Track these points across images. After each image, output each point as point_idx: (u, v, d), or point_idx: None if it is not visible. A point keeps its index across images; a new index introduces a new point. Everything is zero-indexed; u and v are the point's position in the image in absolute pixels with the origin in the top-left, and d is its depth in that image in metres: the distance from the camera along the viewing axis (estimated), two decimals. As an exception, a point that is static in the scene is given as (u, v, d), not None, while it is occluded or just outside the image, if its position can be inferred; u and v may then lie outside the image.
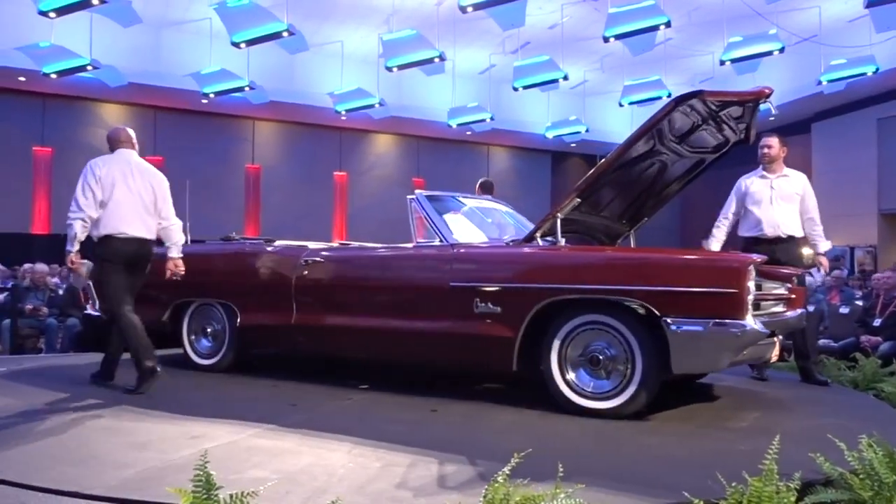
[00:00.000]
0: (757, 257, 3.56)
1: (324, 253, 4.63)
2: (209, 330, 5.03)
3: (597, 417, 3.52)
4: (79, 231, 4.22)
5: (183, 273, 4.50)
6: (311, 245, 4.90)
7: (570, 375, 3.62)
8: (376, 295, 4.29)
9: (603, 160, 4.09)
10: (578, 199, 4.08)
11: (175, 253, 4.50)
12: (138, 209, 4.36)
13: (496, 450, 2.79)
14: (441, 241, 4.09)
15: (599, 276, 3.55)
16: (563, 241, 4.08)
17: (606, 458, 2.92)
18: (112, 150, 4.62)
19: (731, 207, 5.21)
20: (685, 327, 3.28)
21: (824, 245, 5.15)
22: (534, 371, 3.78)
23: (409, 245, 4.32)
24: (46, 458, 2.81)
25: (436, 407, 3.80)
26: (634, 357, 3.46)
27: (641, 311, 3.46)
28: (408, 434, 3.21)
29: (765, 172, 5.11)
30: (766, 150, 5.11)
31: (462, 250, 4.00)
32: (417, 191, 4.42)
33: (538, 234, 4.11)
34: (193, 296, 5.03)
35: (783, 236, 4.93)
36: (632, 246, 4.97)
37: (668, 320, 3.31)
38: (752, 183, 5.11)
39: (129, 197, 4.34)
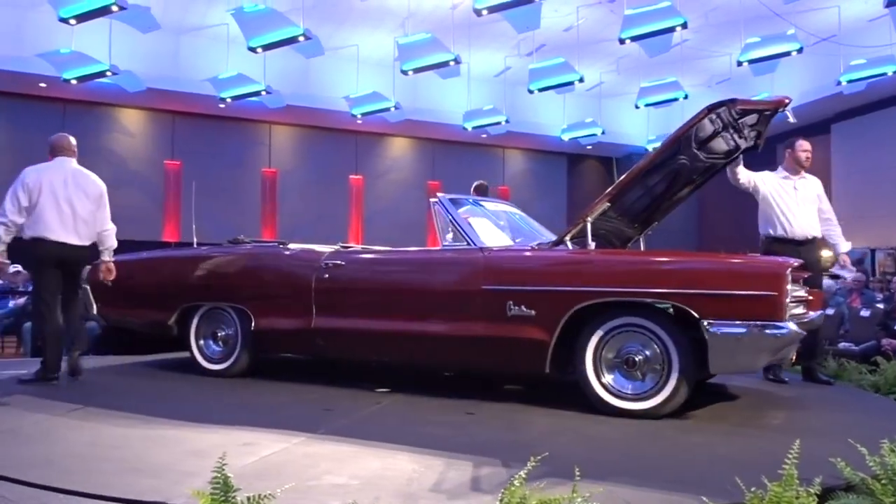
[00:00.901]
0: (794, 261, 3.65)
1: (346, 256, 4.60)
2: (220, 334, 4.95)
3: (632, 418, 3.56)
4: (2, 234, 4.56)
5: (113, 278, 4.82)
6: (318, 248, 4.88)
7: (606, 377, 3.67)
8: (404, 298, 4.26)
9: (635, 166, 4.17)
10: (608, 204, 4.13)
11: (107, 256, 4.90)
12: (65, 216, 4.60)
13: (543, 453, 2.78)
14: (468, 244, 4.10)
15: (639, 280, 3.61)
16: (593, 245, 4.11)
17: (658, 458, 2.93)
18: (52, 156, 4.86)
19: (750, 181, 5.07)
20: (726, 329, 3.37)
21: (845, 245, 5.20)
22: (563, 372, 3.83)
23: (437, 248, 4.35)
24: (111, 467, 2.71)
25: (472, 410, 3.79)
26: (671, 358, 3.53)
27: (677, 313, 3.54)
28: (453, 437, 3.22)
29: (788, 174, 5.12)
30: (808, 155, 5.16)
31: (493, 254, 4.02)
32: (439, 194, 4.45)
33: (568, 238, 4.14)
34: (203, 299, 4.99)
35: (809, 238, 5.02)
36: (642, 249, 4.98)
37: (708, 322, 3.39)
38: (777, 183, 5.10)
39: (56, 204, 4.59)
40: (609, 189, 4.18)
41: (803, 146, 5.15)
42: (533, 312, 3.72)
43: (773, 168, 5.30)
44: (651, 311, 3.61)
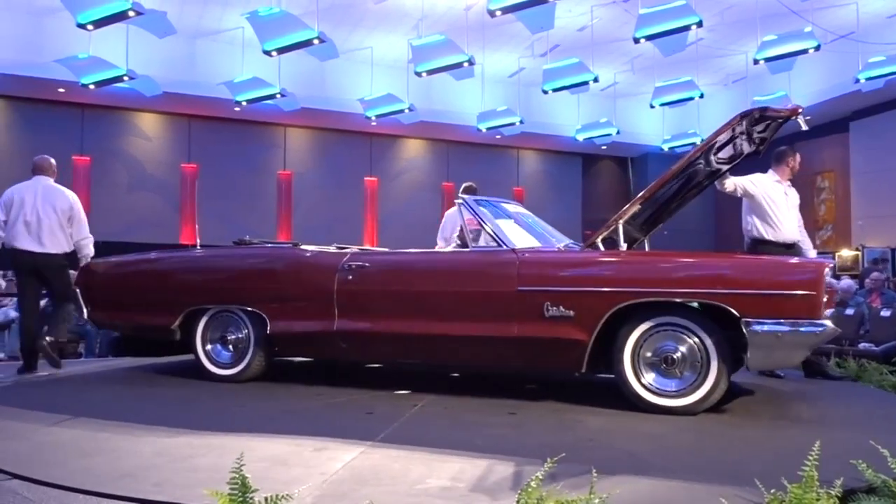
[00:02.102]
0: (829, 262, 3.79)
1: (370, 258, 4.54)
2: (229, 338, 4.74)
3: (671, 415, 3.65)
4: None
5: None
6: (330, 249, 4.84)
7: (645, 375, 3.76)
8: (434, 299, 4.22)
9: (668, 170, 4.29)
10: (639, 207, 4.26)
11: (83, 263, 5.40)
12: (31, 226, 5.23)
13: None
14: (498, 245, 4.13)
15: (682, 281, 3.70)
16: (624, 247, 4.18)
17: (719, 452, 2.96)
18: (32, 174, 5.55)
19: (738, 186, 5.22)
20: (767, 327, 3.48)
21: (812, 253, 5.58)
22: (596, 371, 3.93)
23: (467, 250, 4.36)
24: (188, 479, 2.59)
25: (513, 410, 3.81)
26: (709, 356, 3.64)
27: (714, 312, 3.64)
28: (515, 438, 3.23)
29: (780, 179, 5.33)
30: (797, 165, 5.43)
31: (528, 255, 4.05)
32: (464, 195, 4.47)
33: (599, 240, 4.21)
34: (210, 302, 4.77)
35: (791, 242, 5.30)
36: (646, 250, 5.06)
37: (750, 321, 3.49)
38: (771, 187, 5.28)
39: (24, 216, 5.23)
40: (642, 192, 4.30)
41: (798, 158, 5.41)
42: (572, 313, 3.78)
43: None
44: (688, 310, 3.71)
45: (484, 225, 4.26)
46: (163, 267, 5.17)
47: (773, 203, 5.21)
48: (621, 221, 4.16)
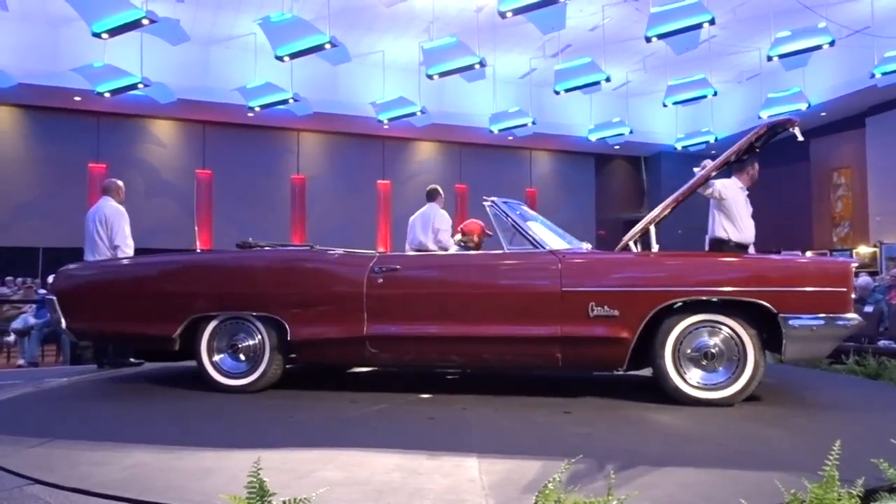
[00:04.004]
0: (854, 261, 4.04)
1: (401, 260, 4.47)
2: (240, 346, 4.43)
3: (711, 406, 3.82)
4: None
5: None
6: (337, 251, 4.70)
7: (687, 370, 3.93)
8: (473, 301, 4.21)
9: (698, 176, 4.63)
10: (669, 211, 4.53)
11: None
12: (87, 239, 6.19)
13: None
14: (534, 247, 4.21)
15: (724, 280, 3.91)
16: (656, 248, 4.37)
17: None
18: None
19: (714, 189, 5.53)
20: (802, 322, 3.75)
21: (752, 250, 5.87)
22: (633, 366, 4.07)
23: (503, 252, 4.35)
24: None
25: (567, 408, 3.86)
26: (746, 350, 3.86)
27: (749, 309, 3.86)
28: (590, 437, 3.24)
29: (743, 186, 5.66)
30: (757, 174, 5.74)
31: (569, 257, 4.14)
32: (492, 197, 4.49)
33: (633, 242, 4.41)
34: (217, 309, 4.46)
35: (751, 243, 5.73)
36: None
37: (786, 316, 3.75)
38: (737, 192, 5.61)
39: (85, 230, 6.23)
40: (675, 195, 4.55)
41: (757, 167, 5.72)
42: (616, 312, 3.91)
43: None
44: (726, 307, 3.90)
45: (517, 226, 4.32)
46: (162, 271, 4.77)
47: (741, 207, 5.61)
48: (652, 225, 4.38)
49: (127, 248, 6.08)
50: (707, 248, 5.73)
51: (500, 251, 4.37)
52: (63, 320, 4.69)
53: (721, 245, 5.61)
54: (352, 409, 3.94)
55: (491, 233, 5.88)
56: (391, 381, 4.87)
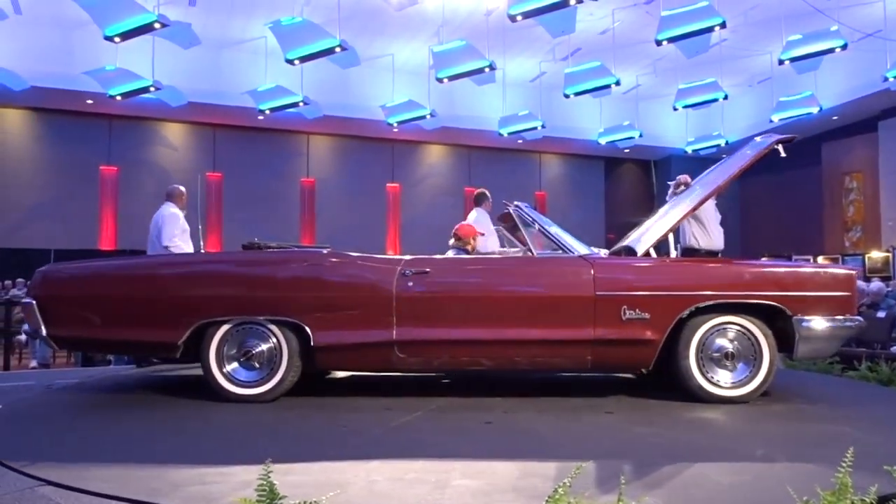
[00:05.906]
0: (857, 268, 4.50)
1: (431, 263, 4.38)
2: (253, 353, 4.17)
3: (730, 403, 4.07)
4: None
5: None
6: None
7: (710, 370, 4.18)
8: (507, 305, 4.26)
9: (715, 187, 4.79)
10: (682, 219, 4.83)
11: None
12: (149, 240, 6.64)
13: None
14: (563, 251, 4.35)
15: (747, 284, 4.22)
16: (675, 254, 4.77)
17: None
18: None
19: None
20: (814, 323, 4.10)
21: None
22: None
23: (533, 256, 4.47)
24: None
25: (610, 409, 3.99)
26: (762, 350, 4.15)
27: (764, 311, 4.16)
28: (664, 436, 3.34)
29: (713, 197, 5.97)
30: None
31: (601, 262, 4.31)
32: (516, 202, 4.58)
33: (651, 248, 4.55)
34: (229, 314, 4.19)
35: (720, 250, 6.09)
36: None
37: (799, 318, 4.10)
38: (710, 202, 5.87)
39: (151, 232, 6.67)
40: (693, 206, 4.78)
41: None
42: (648, 315, 4.12)
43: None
44: (744, 310, 4.19)
45: (544, 231, 4.46)
46: (164, 274, 4.43)
47: (714, 217, 5.92)
48: (671, 233, 4.64)
49: (174, 250, 6.39)
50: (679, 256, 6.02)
51: (530, 255, 4.51)
52: (43, 327, 4.18)
53: (692, 254, 5.89)
54: (396, 416, 3.82)
55: (483, 233, 5.92)
56: (399, 386, 4.87)
